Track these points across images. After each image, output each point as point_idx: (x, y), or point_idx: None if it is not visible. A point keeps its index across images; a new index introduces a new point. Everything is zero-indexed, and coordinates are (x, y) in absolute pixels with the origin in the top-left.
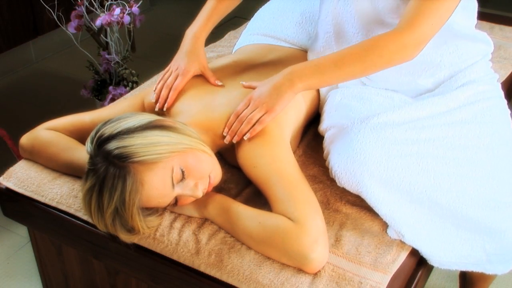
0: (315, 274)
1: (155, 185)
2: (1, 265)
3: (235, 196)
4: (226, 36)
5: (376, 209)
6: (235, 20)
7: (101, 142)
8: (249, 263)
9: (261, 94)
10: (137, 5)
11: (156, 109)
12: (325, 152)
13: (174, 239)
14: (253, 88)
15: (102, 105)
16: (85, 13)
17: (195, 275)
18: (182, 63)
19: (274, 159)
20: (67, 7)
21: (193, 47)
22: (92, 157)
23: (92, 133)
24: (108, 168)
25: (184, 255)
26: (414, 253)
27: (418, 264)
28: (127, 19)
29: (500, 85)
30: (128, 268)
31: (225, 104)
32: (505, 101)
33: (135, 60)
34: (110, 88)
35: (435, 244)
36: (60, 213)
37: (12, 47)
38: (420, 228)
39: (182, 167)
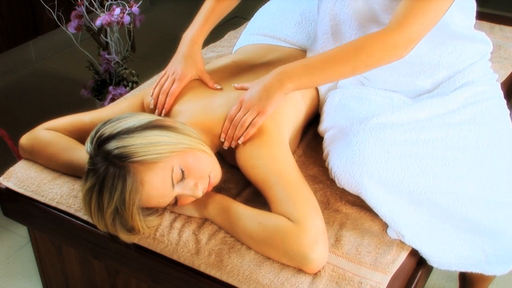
0: (315, 274)
1: (155, 185)
2: (1, 265)
3: (235, 196)
4: (226, 36)
5: (375, 209)
6: (235, 20)
7: (101, 142)
8: (249, 263)
9: (252, 96)
10: (137, 5)
11: (155, 114)
12: (324, 153)
13: (174, 239)
14: (245, 89)
15: (102, 105)
16: (85, 13)
17: (195, 275)
18: (179, 67)
19: (273, 159)
20: (67, 7)
21: (190, 51)
22: (92, 157)
23: (92, 133)
24: (108, 168)
25: (184, 255)
26: (414, 253)
27: (418, 264)
28: (127, 19)
29: (499, 85)
30: (128, 268)
31: (224, 105)
32: (505, 101)
33: (135, 60)
34: (110, 88)
35: (434, 244)
36: (60, 213)
37: (12, 47)
38: (419, 229)
39: (182, 167)
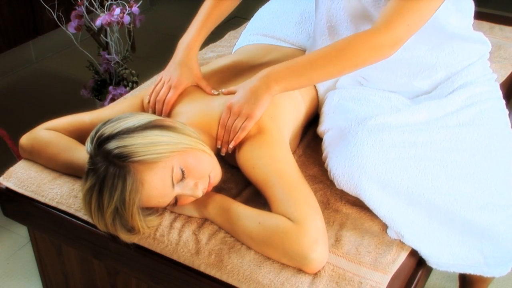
0: (315, 274)
1: (155, 185)
2: (1, 265)
3: (235, 196)
4: (226, 36)
5: (375, 211)
6: (235, 20)
7: (101, 142)
8: (249, 263)
9: (239, 101)
10: (137, 5)
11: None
12: (323, 154)
13: (174, 239)
14: (233, 93)
15: (102, 105)
16: (85, 13)
17: (195, 275)
18: (174, 74)
19: (273, 159)
20: (67, 7)
21: (186, 58)
22: (92, 156)
23: (92, 133)
24: (108, 168)
25: (184, 255)
26: (414, 253)
27: (418, 264)
28: (127, 19)
29: (498, 85)
30: (128, 268)
31: (222, 105)
32: (503, 102)
33: (135, 60)
34: (110, 88)
35: (433, 245)
36: (60, 213)
37: (12, 47)
38: (418, 230)
39: (182, 167)
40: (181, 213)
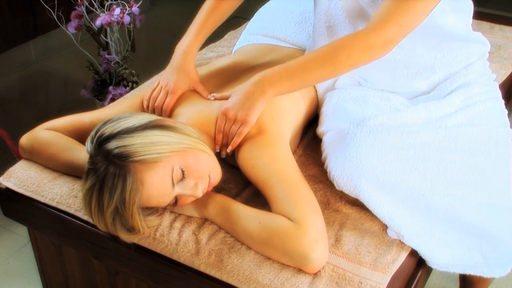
0: (315, 274)
1: (155, 185)
2: (1, 265)
3: (235, 196)
4: (226, 36)
5: (374, 212)
6: (235, 20)
7: (101, 142)
8: (249, 263)
9: (234, 106)
10: (137, 5)
11: None
12: (323, 156)
13: (174, 239)
14: (226, 98)
15: (102, 105)
16: (85, 13)
17: (195, 275)
18: (171, 79)
19: (273, 160)
20: (67, 7)
21: (183, 63)
22: (92, 156)
23: (92, 133)
24: (108, 168)
25: (184, 255)
26: (414, 253)
27: (418, 264)
28: (127, 19)
29: (497, 85)
30: (128, 268)
31: (222, 106)
32: (502, 102)
33: (135, 60)
34: (110, 88)
35: (432, 246)
36: (60, 213)
37: (12, 47)
38: (417, 230)
39: (182, 167)
40: (181, 213)
